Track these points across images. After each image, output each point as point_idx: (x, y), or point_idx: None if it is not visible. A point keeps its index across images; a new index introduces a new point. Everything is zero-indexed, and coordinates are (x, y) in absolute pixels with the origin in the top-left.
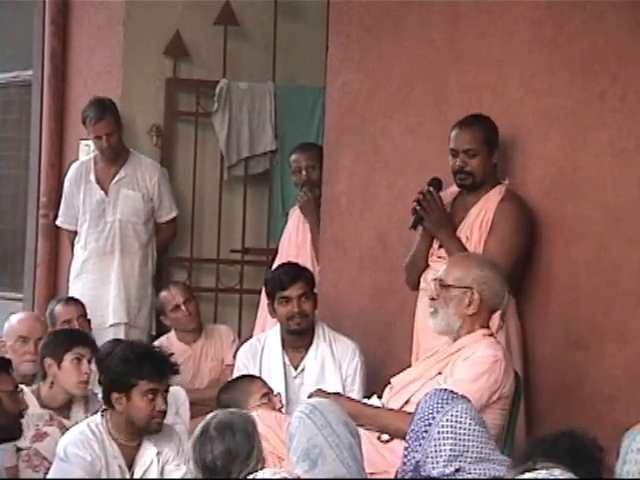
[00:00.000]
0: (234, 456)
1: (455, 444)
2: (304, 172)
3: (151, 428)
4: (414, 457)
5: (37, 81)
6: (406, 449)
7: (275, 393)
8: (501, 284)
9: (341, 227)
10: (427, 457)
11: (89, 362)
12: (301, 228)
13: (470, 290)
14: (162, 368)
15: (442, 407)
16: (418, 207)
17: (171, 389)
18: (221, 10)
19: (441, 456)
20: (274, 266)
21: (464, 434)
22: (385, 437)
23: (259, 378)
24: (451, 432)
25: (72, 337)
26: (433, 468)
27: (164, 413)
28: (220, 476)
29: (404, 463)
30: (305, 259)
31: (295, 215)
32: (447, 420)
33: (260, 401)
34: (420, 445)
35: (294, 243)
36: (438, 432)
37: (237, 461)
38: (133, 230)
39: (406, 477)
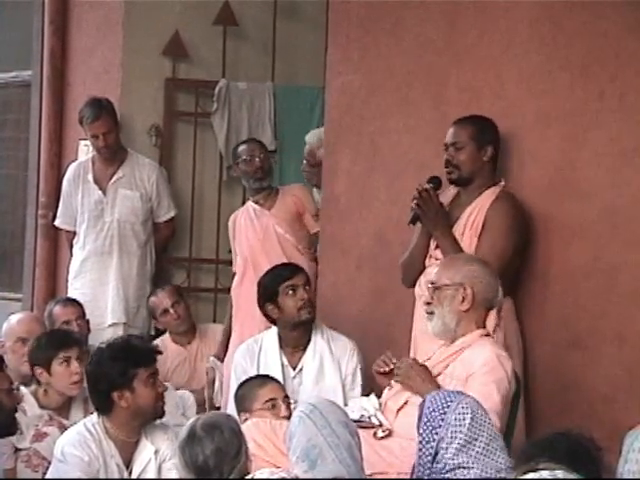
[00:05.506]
0: (225, 454)
1: (470, 428)
2: (257, 159)
3: (159, 412)
4: (431, 446)
5: (36, 81)
6: (420, 442)
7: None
8: (493, 278)
9: (340, 227)
10: (443, 442)
11: (78, 360)
12: (257, 227)
13: (462, 286)
14: (150, 351)
15: (455, 397)
16: (415, 204)
17: (179, 393)
18: (220, 10)
19: (456, 437)
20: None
21: (479, 420)
22: (381, 434)
23: (275, 381)
24: (470, 414)
25: (56, 341)
26: (446, 452)
27: (163, 394)
28: (213, 476)
29: (420, 457)
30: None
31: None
32: (462, 407)
33: (263, 405)
34: (437, 434)
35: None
36: (455, 418)
37: (228, 458)
38: (131, 230)
39: (423, 470)
